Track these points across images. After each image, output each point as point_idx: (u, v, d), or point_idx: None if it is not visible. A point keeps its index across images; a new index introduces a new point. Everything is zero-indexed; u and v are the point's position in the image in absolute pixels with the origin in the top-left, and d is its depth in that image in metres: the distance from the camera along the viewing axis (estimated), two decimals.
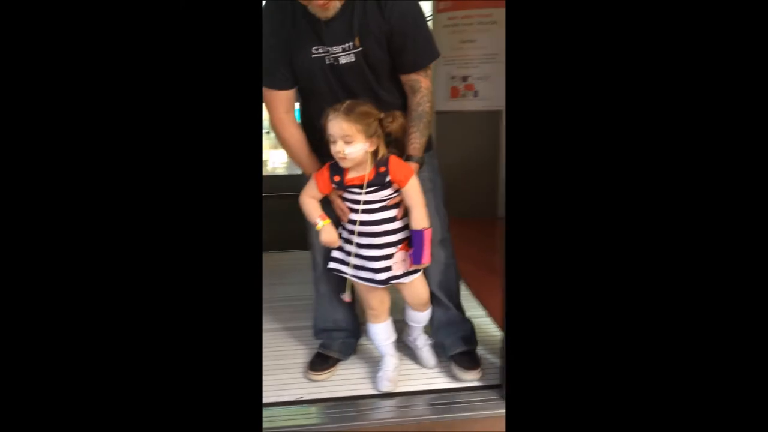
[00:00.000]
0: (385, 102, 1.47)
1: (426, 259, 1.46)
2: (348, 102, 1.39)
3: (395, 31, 1.41)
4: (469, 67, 3.44)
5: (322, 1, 1.33)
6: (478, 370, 1.67)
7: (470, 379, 1.65)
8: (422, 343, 1.73)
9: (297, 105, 1.60)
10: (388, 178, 1.43)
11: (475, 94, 3.44)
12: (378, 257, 1.50)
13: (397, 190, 1.46)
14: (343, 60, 1.43)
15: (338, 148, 1.37)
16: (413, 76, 1.48)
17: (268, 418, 1.47)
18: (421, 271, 1.57)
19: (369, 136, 1.37)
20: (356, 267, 1.53)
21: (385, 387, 1.64)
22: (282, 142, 1.57)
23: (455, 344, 1.71)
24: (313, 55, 1.44)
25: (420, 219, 1.45)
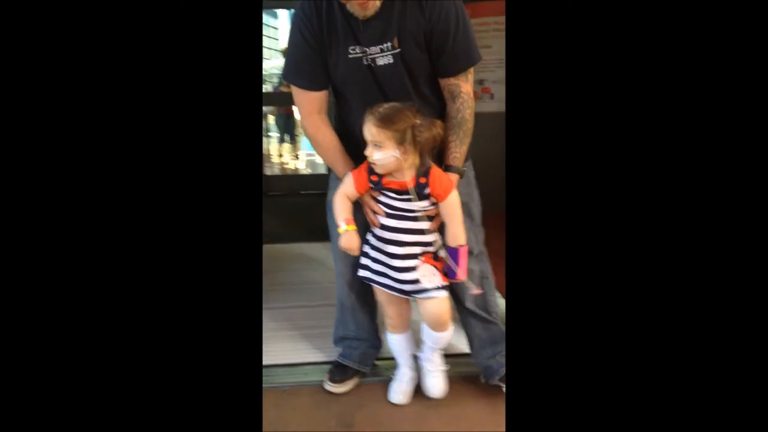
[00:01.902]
0: (422, 108, 1.40)
1: (462, 275, 1.40)
2: (387, 105, 1.33)
3: (436, 31, 1.34)
4: (485, 71, 3.66)
5: (362, 0, 1.28)
6: None
7: None
8: (433, 367, 1.58)
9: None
10: (427, 190, 1.36)
11: (491, 96, 3.66)
12: (405, 268, 1.43)
13: (434, 203, 1.40)
14: (380, 61, 1.37)
15: (367, 152, 1.34)
16: (453, 81, 1.42)
17: (268, 377, 1.71)
18: (448, 291, 1.48)
19: (400, 143, 1.31)
20: (381, 274, 1.48)
21: (397, 399, 1.58)
22: (314, 144, 1.52)
23: (501, 365, 1.58)
24: (350, 56, 1.38)
25: (456, 235, 1.39)
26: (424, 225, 1.41)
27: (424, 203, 1.39)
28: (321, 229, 2.87)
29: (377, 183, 1.39)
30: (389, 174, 1.37)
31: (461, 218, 1.39)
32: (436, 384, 1.57)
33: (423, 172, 1.36)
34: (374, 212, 1.44)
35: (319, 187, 3.02)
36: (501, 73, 3.58)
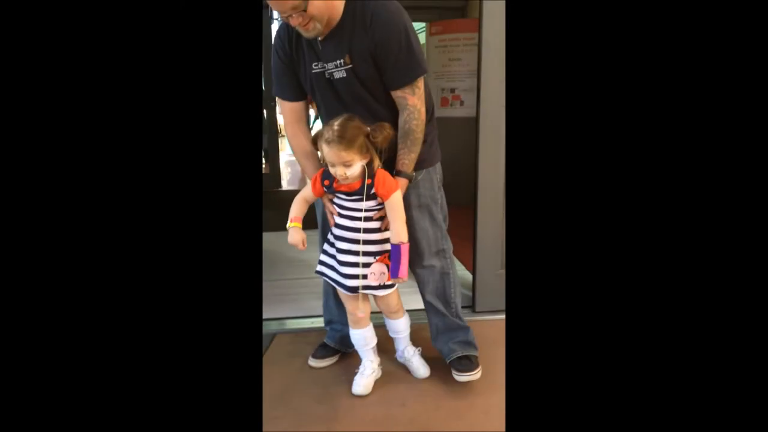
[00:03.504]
0: (379, 115, 1.53)
1: (402, 274, 1.47)
2: (337, 126, 1.42)
3: (378, 49, 1.46)
4: (456, 81, 4.10)
5: (298, 21, 1.41)
6: (475, 371, 1.70)
7: (465, 380, 1.70)
8: (410, 354, 1.76)
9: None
10: (373, 190, 1.48)
11: (461, 103, 4.09)
12: (351, 263, 1.54)
13: (381, 203, 1.51)
14: (337, 75, 1.52)
15: (339, 172, 1.44)
16: (399, 93, 1.51)
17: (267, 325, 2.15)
18: (396, 285, 1.61)
19: (363, 153, 1.44)
20: (332, 269, 1.61)
21: (358, 391, 1.68)
22: (291, 147, 1.69)
23: (452, 350, 1.75)
24: (314, 71, 1.54)
25: (398, 233, 1.47)
26: (375, 225, 1.53)
27: (372, 203, 1.52)
28: None
29: (329, 187, 1.53)
30: (346, 178, 1.47)
31: (403, 217, 1.50)
32: (419, 367, 1.76)
33: (370, 173, 1.48)
34: (331, 213, 1.59)
35: None
36: (471, 83, 4.00)
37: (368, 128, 1.45)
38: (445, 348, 1.76)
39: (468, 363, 1.71)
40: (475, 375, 1.69)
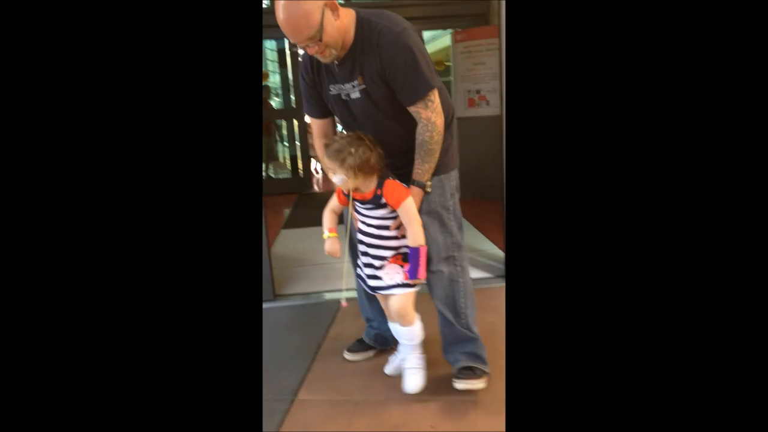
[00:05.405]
0: (392, 131, 1.62)
1: (421, 275, 1.57)
2: (338, 139, 1.57)
3: (387, 71, 1.53)
4: (481, 83, 4.47)
5: (315, 50, 1.50)
6: (475, 380, 1.69)
7: (464, 388, 1.69)
8: (409, 365, 1.74)
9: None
10: (383, 200, 1.58)
11: (487, 103, 4.46)
12: (371, 266, 1.66)
13: (393, 211, 1.60)
14: (353, 95, 1.61)
15: (330, 176, 1.60)
16: (413, 108, 1.57)
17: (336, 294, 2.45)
18: (414, 288, 1.65)
19: (346, 169, 1.52)
20: (360, 269, 1.74)
21: (388, 371, 1.85)
22: (319, 158, 1.74)
23: (458, 360, 1.75)
24: (331, 92, 1.64)
25: (414, 237, 1.56)
26: (389, 233, 1.63)
27: (384, 211, 1.62)
28: None
29: (348, 194, 1.64)
30: (356, 188, 1.60)
31: (418, 221, 1.57)
32: (410, 381, 1.72)
33: (379, 184, 1.59)
34: (355, 219, 1.71)
35: None
36: (495, 84, 4.36)
37: (352, 149, 1.51)
38: (452, 358, 1.77)
39: (470, 372, 1.70)
40: (475, 384, 1.69)
